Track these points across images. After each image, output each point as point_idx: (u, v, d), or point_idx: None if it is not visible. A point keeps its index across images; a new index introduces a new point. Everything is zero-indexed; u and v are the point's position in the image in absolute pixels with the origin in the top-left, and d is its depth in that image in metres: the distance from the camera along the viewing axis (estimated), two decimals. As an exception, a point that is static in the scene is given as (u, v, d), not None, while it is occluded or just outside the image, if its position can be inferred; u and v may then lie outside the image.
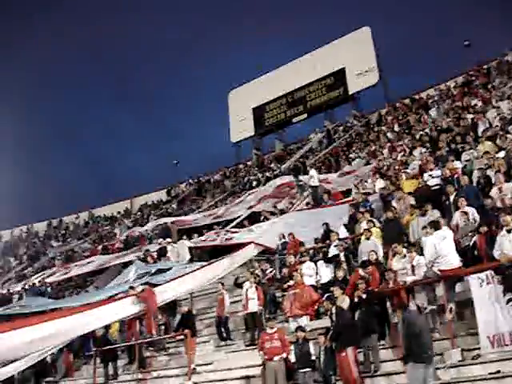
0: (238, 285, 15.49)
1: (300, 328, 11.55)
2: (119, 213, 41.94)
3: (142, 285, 14.91)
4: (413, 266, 11.04)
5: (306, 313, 13.03)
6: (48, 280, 25.10)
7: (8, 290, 26.93)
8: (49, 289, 23.17)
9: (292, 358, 11.50)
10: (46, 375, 18.56)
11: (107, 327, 16.48)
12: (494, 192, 12.49)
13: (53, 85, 76.52)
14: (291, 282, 13.67)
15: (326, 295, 12.13)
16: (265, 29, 68.00)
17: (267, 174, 30.59)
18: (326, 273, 13.71)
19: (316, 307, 13.36)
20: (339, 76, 36.35)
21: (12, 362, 12.69)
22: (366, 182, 19.36)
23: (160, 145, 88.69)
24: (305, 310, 13.03)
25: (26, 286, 25.32)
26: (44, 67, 72.84)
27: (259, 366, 11.91)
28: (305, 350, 11.08)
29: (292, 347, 11.45)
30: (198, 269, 16.23)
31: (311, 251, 15.48)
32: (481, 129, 18.06)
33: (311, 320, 13.03)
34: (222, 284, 16.20)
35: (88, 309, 12.66)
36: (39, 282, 24.67)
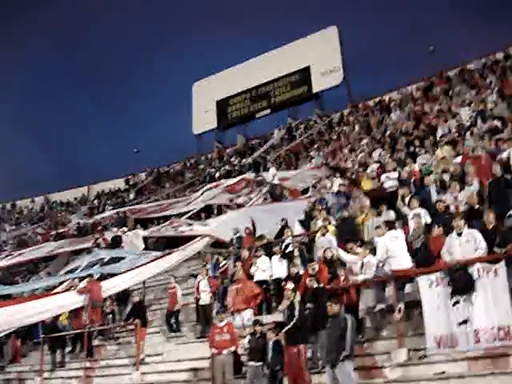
0: (192, 275, 15.43)
1: (258, 322, 11.52)
2: (76, 199, 41.35)
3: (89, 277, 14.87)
4: (363, 265, 11.12)
5: (248, 307, 13.05)
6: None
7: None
8: (-1, 273, 22.71)
9: (240, 351, 11.54)
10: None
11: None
12: (448, 198, 12.66)
13: (14, 70, 74.87)
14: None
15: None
16: (233, 22, 67.56)
17: (227, 167, 30.54)
18: (279, 268, 13.71)
19: (258, 301, 13.41)
20: (304, 74, 36.48)
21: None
22: (324, 180, 19.46)
23: (121, 133, 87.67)
24: (247, 304, 13.06)
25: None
26: (4, 53, 71.20)
27: (208, 358, 11.88)
28: (261, 343, 11.05)
29: (246, 340, 11.43)
30: (151, 261, 16.17)
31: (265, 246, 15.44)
32: (439, 134, 18.35)
33: (256, 314, 13.04)
34: (174, 277, 16.11)
35: (34, 299, 12.55)
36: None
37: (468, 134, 16.98)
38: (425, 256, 10.62)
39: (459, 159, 14.77)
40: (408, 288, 10.67)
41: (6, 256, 26.98)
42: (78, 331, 16.02)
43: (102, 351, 16.18)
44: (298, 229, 15.65)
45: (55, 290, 16.44)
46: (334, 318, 9.45)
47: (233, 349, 11.51)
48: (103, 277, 16.46)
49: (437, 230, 10.99)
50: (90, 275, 15.16)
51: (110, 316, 16.71)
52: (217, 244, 17.93)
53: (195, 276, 15.16)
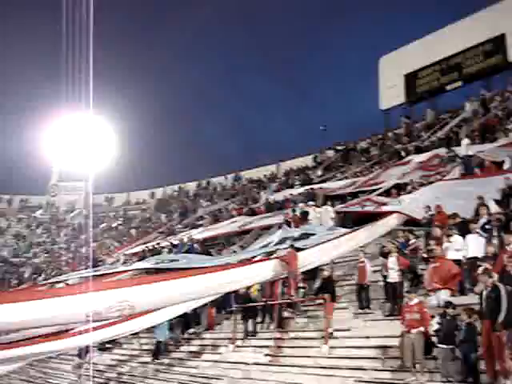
0: (383, 254, 15.25)
1: (450, 304, 11.17)
2: (265, 176, 42.70)
3: (285, 248, 15.16)
4: None
5: (445, 287, 12.60)
6: (196, 237, 26.20)
7: (158, 243, 28.52)
8: (196, 245, 24.16)
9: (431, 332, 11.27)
10: (190, 327, 19.64)
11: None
12: None
13: (204, 58, 78.94)
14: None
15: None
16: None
17: (417, 143, 29.67)
18: (475, 247, 13.11)
19: (457, 281, 12.91)
20: (498, 42, 34.13)
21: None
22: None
23: (305, 112, 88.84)
24: (444, 283, 12.61)
25: (175, 242, 26.64)
26: (196, 40, 75.25)
27: (397, 337, 11.75)
28: (452, 326, 10.73)
29: (436, 321, 11.14)
30: (341, 236, 16.22)
31: (460, 224, 14.81)
32: None
33: (453, 295, 12.58)
34: (364, 252, 16.08)
35: (232, 268, 13.08)
36: (187, 238, 25.80)
37: None
38: None
39: None
40: None
41: (203, 230, 28.78)
42: (270, 302, 16.64)
43: (292, 323, 16.64)
44: (494, 207, 14.83)
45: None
46: None
47: (422, 329, 11.28)
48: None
49: None
50: (290, 246, 15.42)
51: (302, 290, 17.10)
52: (408, 222, 17.55)
53: (384, 255, 14.99)
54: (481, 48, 35.23)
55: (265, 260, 14.29)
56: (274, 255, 14.43)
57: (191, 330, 19.70)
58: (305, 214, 21.29)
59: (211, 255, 22.26)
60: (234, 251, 22.20)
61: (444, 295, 12.47)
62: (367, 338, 13.62)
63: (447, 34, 37.37)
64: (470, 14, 36.75)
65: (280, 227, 20.36)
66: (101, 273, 16.62)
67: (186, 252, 22.39)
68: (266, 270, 13.66)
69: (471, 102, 32.27)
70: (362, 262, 15.51)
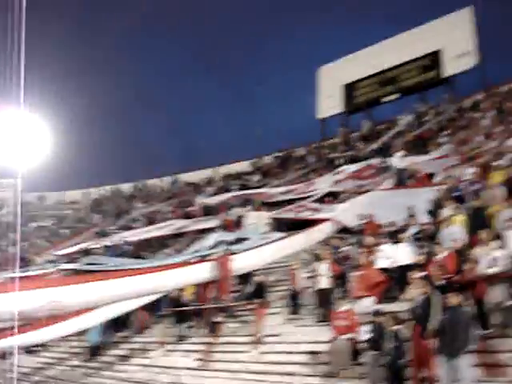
0: (316, 260, 15.43)
1: (379, 311, 11.37)
2: (202, 180, 42.57)
3: (219, 252, 15.14)
4: (492, 259, 10.61)
5: (370, 294, 12.87)
6: (129, 239, 25.85)
7: (91, 244, 27.98)
8: (129, 247, 23.82)
9: (361, 338, 11.44)
10: (120, 330, 19.35)
11: (182, 289, 16.89)
12: None
13: (143, 57, 77.94)
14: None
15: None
16: (358, 5, 66.18)
17: (352, 152, 30.20)
18: (405, 256, 13.42)
19: (381, 289, 13.19)
20: (434, 58, 35.16)
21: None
22: (454, 168, 18.76)
23: (245, 117, 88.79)
24: (369, 291, 12.87)
25: (108, 243, 26.20)
26: (134, 39, 74.22)
27: (326, 342, 11.88)
28: (380, 332, 10.90)
29: (365, 328, 11.32)
30: (275, 241, 16.32)
31: (390, 233, 15.14)
32: None
33: (377, 303, 12.85)
34: (298, 258, 16.20)
35: (164, 269, 12.97)
36: (121, 239, 25.43)
37: None
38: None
39: None
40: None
41: (137, 232, 28.40)
42: (201, 307, 16.57)
43: (223, 328, 16.61)
44: (424, 217, 15.23)
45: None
46: (452, 309, 9.14)
47: (351, 335, 11.45)
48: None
49: None
50: (224, 250, 15.40)
51: (234, 294, 17.09)
52: (342, 229, 17.82)
53: (317, 260, 15.15)
54: (417, 63, 36.18)
55: (198, 262, 14.22)
56: (209, 258, 14.38)
57: (121, 334, 19.40)
58: (240, 219, 21.33)
59: (144, 258, 22.01)
60: (168, 254, 22.00)
61: (369, 302, 12.72)
62: (297, 343, 13.71)
63: (386, 48, 38.20)
64: (409, 29, 37.74)
65: (215, 231, 20.30)
66: (29, 273, 16.18)
67: (119, 254, 22.08)
68: (198, 273, 13.62)
69: (406, 115, 33.12)
70: (296, 267, 15.62)
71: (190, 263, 14.28)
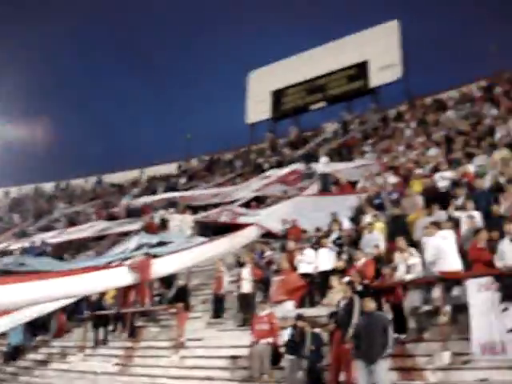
0: (239, 265, 15.45)
1: (300, 316, 11.45)
2: (128, 181, 41.95)
3: (140, 255, 14.92)
4: (409, 265, 10.91)
5: (291, 298, 13.00)
6: (50, 240, 25.15)
7: (9, 245, 27.05)
8: (49, 248, 23.18)
9: (281, 343, 11.50)
10: (39, 333, 18.78)
11: (103, 292, 16.56)
12: (504, 204, 12.39)
13: (67, 54, 76.15)
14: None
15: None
16: (289, 12, 67.01)
17: (279, 158, 30.47)
18: (326, 261, 13.63)
19: (301, 294, 13.41)
20: (361, 68, 35.91)
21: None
22: (376, 176, 19.22)
23: (173, 119, 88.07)
24: (289, 295, 13.00)
25: (28, 244, 25.40)
26: (58, 36, 72.49)
27: (248, 346, 11.89)
28: (300, 337, 10.98)
29: (286, 332, 11.37)
30: (199, 245, 16.23)
31: (313, 239, 15.34)
32: (498, 135, 17.86)
33: (297, 307, 13.00)
34: (222, 262, 16.16)
35: (82, 273, 12.70)
36: (41, 240, 24.72)
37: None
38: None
39: (517, 163, 14.40)
40: (456, 291, 10.44)
41: (58, 233, 27.64)
42: (122, 311, 16.29)
43: (144, 332, 16.39)
44: (346, 223, 15.51)
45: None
46: (369, 314, 9.31)
47: (271, 340, 11.49)
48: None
49: (484, 235, 10.69)
50: (145, 253, 15.20)
51: (157, 298, 16.90)
52: (266, 234, 17.90)
53: (241, 264, 15.17)
54: (344, 72, 36.83)
55: (118, 266, 13.97)
56: (129, 262, 14.12)
57: (39, 337, 18.84)
58: (164, 222, 21.12)
59: (64, 260, 21.48)
60: (89, 256, 21.56)
61: (289, 306, 12.84)
62: (219, 347, 13.69)
63: (314, 56, 38.71)
64: (338, 39, 38.44)
65: (138, 233, 20.00)
66: None
67: (38, 255, 21.43)
68: (118, 277, 13.37)
69: (332, 123, 33.71)
70: (221, 271, 15.59)
71: (110, 267, 14.01)
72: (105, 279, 13.00)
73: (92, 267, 13.84)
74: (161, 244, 16.88)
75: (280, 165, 27.79)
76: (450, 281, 10.31)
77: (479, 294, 9.55)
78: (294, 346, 10.95)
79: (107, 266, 14.14)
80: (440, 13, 66.58)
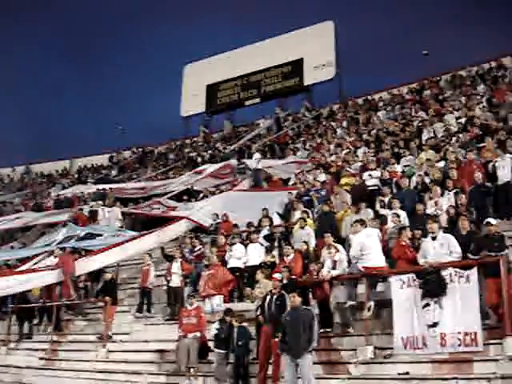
0: (167, 257, 15.37)
1: (229, 310, 11.49)
2: (57, 172, 41.01)
3: (63, 249, 14.78)
4: (335, 261, 11.12)
5: (219, 293, 13.07)
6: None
7: None
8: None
9: (209, 337, 11.54)
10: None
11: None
12: (429, 203, 12.82)
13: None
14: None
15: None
16: (229, 7, 66.87)
17: (212, 152, 30.45)
18: (255, 256, 13.74)
19: (230, 288, 13.51)
20: (296, 66, 36.26)
21: None
22: (307, 173, 19.49)
23: (106, 108, 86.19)
24: (218, 290, 13.07)
25: None
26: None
27: (176, 341, 11.87)
28: (227, 331, 11.02)
29: (214, 326, 11.40)
30: (128, 240, 16.11)
31: (243, 234, 15.44)
32: (425, 137, 18.45)
33: (226, 301, 13.08)
34: (150, 255, 16.04)
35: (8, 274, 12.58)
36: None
37: (454, 139, 17.12)
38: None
39: (442, 164, 14.92)
40: (380, 287, 10.76)
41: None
42: (48, 304, 15.95)
43: (71, 326, 16.14)
44: (277, 219, 15.69)
45: (28, 264, 16.38)
46: (295, 309, 9.46)
47: (198, 334, 11.51)
48: (77, 251, 16.45)
49: (408, 233, 11.02)
50: (63, 248, 15.04)
51: (83, 292, 16.61)
52: (197, 228, 17.88)
53: (170, 258, 15.10)
54: (280, 69, 37.14)
55: (42, 271, 13.88)
56: (50, 261, 13.96)
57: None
58: (93, 214, 20.77)
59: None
60: (12, 247, 21.01)
61: (217, 301, 12.90)
62: (146, 341, 13.64)
63: (251, 52, 38.82)
64: (274, 36, 38.67)
65: (65, 225, 19.60)
66: None
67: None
68: (43, 277, 13.29)
69: (266, 119, 33.95)
70: (148, 265, 15.47)
71: (34, 270, 13.96)
72: (30, 280, 12.88)
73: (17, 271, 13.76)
74: (89, 236, 16.68)
75: (213, 159, 27.81)
76: (375, 277, 10.59)
77: (402, 291, 9.86)
78: (222, 340, 11.00)
79: (31, 270, 14.03)
80: (375, 16, 68.04)
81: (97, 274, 16.37)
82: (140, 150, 38.93)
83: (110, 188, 24.88)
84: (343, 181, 16.61)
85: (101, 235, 16.87)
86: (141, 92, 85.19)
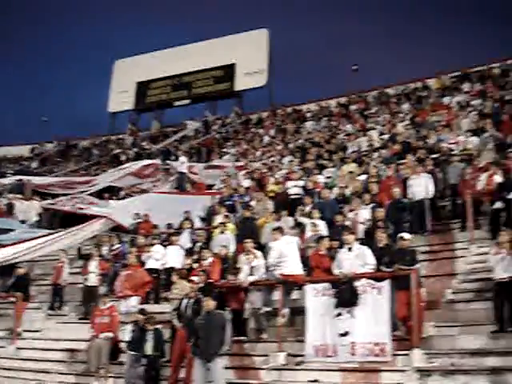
0: (84, 257, 15.10)
1: (143, 311, 11.37)
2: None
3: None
4: (252, 267, 11.19)
5: (136, 294, 12.93)
6: None
7: None
8: None
9: (121, 338, 11.40)
10: None
11: None
12: (350, 214, 13.11)
13: None
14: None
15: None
16: (164, 6, 66.36)
17: (137, 150, 30.11)
18: (174, 258, 13.68)
19: (146, 290, 13.38)
20: (228, 70, 36.45)
21: None
22: (232, 178, 19.54)
23: (29, 98, 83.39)
24: (135, 291, 12.93)
25: None
26: None
27: (88, 340, 11.65)
28: (142, 332, 10.88)
29: (129, 327, 11.26)
30: (43, 236, 15.70)
31: (163, 235, 15.35)
32: (349, 150, 18.89)
33: (142, 303, 12.95)
34: (66, 253, 15.68)
35: None
36: None
37: (376, 154, 17.59)
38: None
39: (363, 177, 15.29)
40: (295, 294, 10.90)
41: None
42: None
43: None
44: (198, 223, 15.69)
45: None
46: (209, 313, 9.48)
47: (111, 334, 11.35)
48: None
49: (326, 243, 11.22)
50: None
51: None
52: (116, 227, 17.60)
53: (84, 256, 14.83)
54: (212, 72, 37.24)
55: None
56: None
57: None
58: (10, 207, 20.10)
59: None
60: None
61: (134, 302, 12.75)
62: (56, 340, 13.36)
63: (183, 52, 38.73)
64: (208, 39, 38.66)
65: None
66: None
67: None
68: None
69: (195, 121, 33.87)
70: (62, 262, 15.13)
71: None
72: None
73: None
74: (1, 231, 16.19)
75: (138, 158, 27.50)
76: (290, 284, 10.72)
77: (316, 299, 10.03)
78: (135, 341, 10.87)
79: None
80: (310, 27, 69.14)
81: (8, 268, 15.85)
82: (63, 142, 38.03)
83: (28, 180, 24.10)
84: (269, 188, 16.77)
85: (14, 230, 16.37)
86: (68, 85, 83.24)
